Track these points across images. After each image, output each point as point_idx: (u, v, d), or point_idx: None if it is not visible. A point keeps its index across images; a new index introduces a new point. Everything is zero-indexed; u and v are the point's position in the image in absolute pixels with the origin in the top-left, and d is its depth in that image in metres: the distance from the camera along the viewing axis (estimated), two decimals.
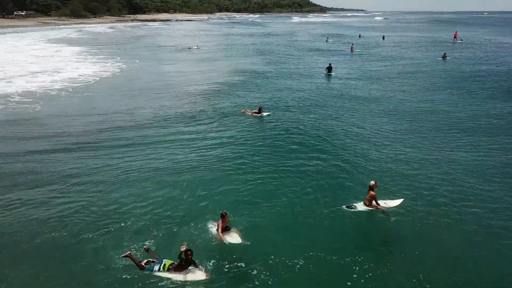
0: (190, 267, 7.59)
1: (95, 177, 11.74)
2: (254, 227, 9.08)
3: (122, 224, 9.20)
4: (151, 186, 11.15)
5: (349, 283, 7.20)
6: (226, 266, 7.78)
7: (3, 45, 53.23)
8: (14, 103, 22.44)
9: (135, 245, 8.43)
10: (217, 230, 8.74)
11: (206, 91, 24.24)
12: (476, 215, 9.42)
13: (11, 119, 18.98)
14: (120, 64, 38.15)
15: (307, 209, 9.68)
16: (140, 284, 7.40)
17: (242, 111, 19.10)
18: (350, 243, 8.48)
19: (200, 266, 7.72)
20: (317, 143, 14.44)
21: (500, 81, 25.00)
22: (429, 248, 8.28)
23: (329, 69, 30.73)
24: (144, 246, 8.34)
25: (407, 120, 17.47)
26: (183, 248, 7.56)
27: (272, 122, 17.41)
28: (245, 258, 7.97)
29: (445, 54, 36.60)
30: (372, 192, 9.55)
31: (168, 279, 7.56)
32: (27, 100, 23.18)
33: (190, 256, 7.53)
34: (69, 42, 60.61)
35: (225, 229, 8.90)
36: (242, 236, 8.68)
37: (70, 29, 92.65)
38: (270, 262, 7.81)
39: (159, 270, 7.79)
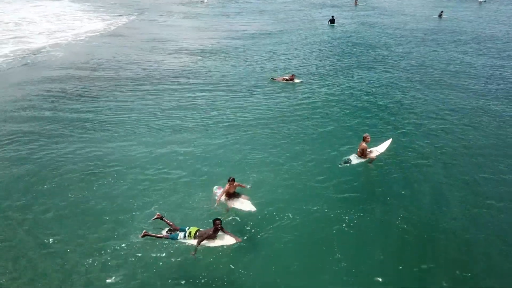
0: (219, 233, 7.77)
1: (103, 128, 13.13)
2: (265, 189, 9.45)
3: (130, 188, 9.59)
4: (164, 145, 11.79)
5: (345, 232, 7.99)
6: (238, 231, 8.10)
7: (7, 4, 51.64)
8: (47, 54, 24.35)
9: (146, 219, 8.47)
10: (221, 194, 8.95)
11: (225, 49, 24.98)
12: (468, 154, 10.86)
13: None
14: (134, 17, 38.89)
15: (314, 167, 10.60)
16: (170, 252, 7.59)
17: (272, 78, 18.40)
18: (348, 195, 9.24)
19: (229, 232, 7.93)
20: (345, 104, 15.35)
21: (484, 44, 25.10)
22: (421, 190, 9.30)
23: (332, 21, 31.51)
24: (158, 214, 8.24)
25: (405, 70, 19.26)
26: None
27: (302, 89, 17.07)
28: (254, 222, 8.37)
29: (441, 12, 36.49)
30: (363, 144, 10.70)
31: (200, 245, 7.62)
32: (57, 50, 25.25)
33: (218, 226, 7.65)
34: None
35: (233, 195, 8.98)
36: (251, 202, 8.85)
37: None
38: (278, 224, 8.31)
39: (184, 237, 7.80)
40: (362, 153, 10.85)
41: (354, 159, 10.95)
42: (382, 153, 11.11)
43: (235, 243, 7.76)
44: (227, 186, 8.90)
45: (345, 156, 11.10)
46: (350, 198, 9.25)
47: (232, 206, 8.85)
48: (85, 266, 7.30)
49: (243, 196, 9.13)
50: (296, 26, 32.40)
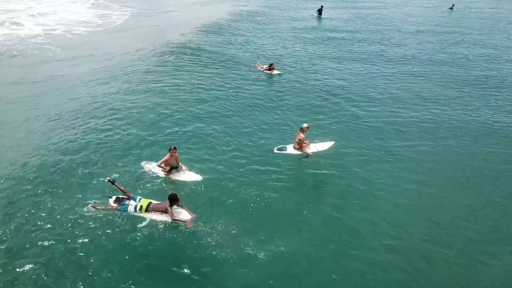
0: (173, 207, 7.24)
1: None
2: (209, 167, 9.04)
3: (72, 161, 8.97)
4: (126, 125, 11.23)
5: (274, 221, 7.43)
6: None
7: None
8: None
9: (90, 190, 7.87)
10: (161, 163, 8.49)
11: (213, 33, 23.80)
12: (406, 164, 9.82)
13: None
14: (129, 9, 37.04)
15: (247, 152, 10.00)
16: (122, 228, 6.94)
17: (253, 64, 17.97)
18: (278, 184, 8.63)
19: (184, 207, 7.37)
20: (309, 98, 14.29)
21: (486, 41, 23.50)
22: (354, 189, 8.59)
23: (320, 11, 30.02)
24: (108, 178, 7.64)
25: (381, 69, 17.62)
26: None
27: (278, 80, 16.03)
28: (198, 195, 8.00)
29: (453, 5, 34.89)
30: (301, 135, 9.73)
31: (152, 220, 7.14)
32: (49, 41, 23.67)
33: (174, 202, 7.19)
34: None
35: (174, 167, 8.58)
36: (194, 172, 8.53)
37: None
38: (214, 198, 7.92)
39: (135, 210, 7.18)
40: (299, 144, 9.86)
41: (290, 149, 10.06)
42: (319, 151, 10.05)
43: (189, 219, 7.18)
44: (168, 155, 8.36)
45: (281, 144, 10.32)
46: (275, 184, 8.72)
47: (176, 178, 8.36)
48: (25, 240, 6.64)
49: (183, 167, 8.69)
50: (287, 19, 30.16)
